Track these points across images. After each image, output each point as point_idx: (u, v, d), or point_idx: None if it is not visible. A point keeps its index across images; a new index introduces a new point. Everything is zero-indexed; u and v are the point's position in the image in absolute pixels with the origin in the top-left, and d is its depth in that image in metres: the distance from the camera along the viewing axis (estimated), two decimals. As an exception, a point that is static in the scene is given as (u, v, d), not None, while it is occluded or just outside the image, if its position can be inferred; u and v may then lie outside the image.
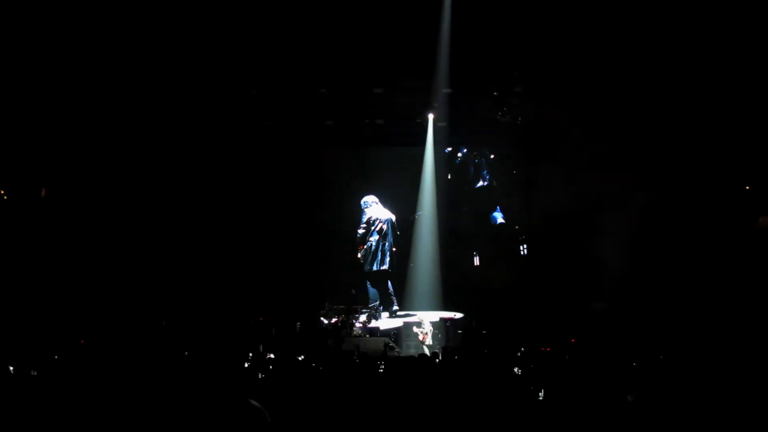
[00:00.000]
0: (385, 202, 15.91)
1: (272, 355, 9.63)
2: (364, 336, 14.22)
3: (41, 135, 12.59)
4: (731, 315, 11.28)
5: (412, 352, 13.73)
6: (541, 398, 4.93)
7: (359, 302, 15.02)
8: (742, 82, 11.33)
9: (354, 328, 14.40)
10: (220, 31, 12.59)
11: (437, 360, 8.24)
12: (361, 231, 15.91)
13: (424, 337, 14.46)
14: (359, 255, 15.89)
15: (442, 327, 15.00)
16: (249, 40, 12.92)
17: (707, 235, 12.28)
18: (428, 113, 15.73)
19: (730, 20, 10.96)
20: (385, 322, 15.26)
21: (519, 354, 9.84)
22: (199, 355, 7.60)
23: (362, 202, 15.93)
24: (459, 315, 15.22)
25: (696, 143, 12.20)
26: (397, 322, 15.04)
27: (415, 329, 14.55)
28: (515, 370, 5.98)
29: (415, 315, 15.09)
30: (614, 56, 12.04)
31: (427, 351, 13.60)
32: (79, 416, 3.79)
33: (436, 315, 15.07)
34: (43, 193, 13.30)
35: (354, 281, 15.48)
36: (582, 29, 11.95)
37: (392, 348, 12.90)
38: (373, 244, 15.76)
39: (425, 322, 14.66)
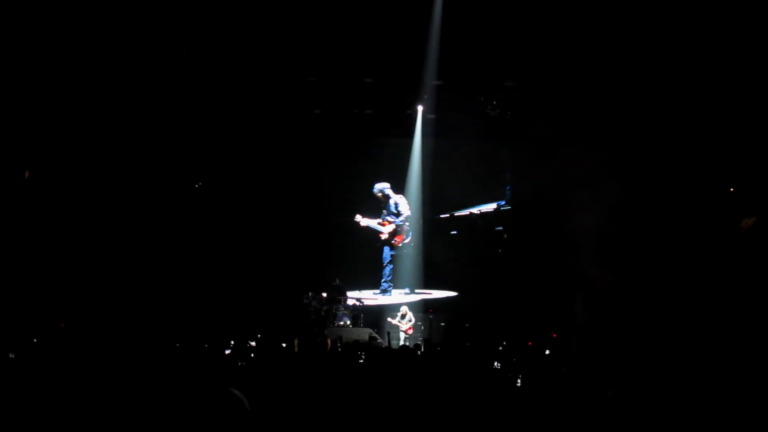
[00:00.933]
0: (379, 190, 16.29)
1: (253, 343, 9.62)
2: (347, 326, 14.23)
3: (23, 117, 12.37)
4: (712, 314, 11.40)
5: (395, 343, 13.78)
6: (518, 385, 4.96)
7: (342, 292, 14.99)
8: (728, 83, 11.40)
9: (337, 318, 14.41)
10: (210, 16, 12.45)
11: (419, 352, 8.25)
12: (406, 215, 16.44)
13: (408, 329, 14.52)
14: (400, 239, 16.45)
15: (425, 319, 15.06)
16: (239, 25, 12.80)
17: (691, 238, 12.39)
18: (418, 105, 15.71)
19: (711, 17, 11.02)
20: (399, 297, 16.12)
21: (501, 348, 9.89)
22: (180, 343, 7.57)
23: (383, 188, 16.41)
24: (452, 294, 15.96)
25: (681, 147, 12.27)
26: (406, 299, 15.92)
27: (396, 321, 14.61)
28: (495, 364, 6.00)
29: (422, 293, 15.82)
30: (603, 52, 12.06)
31: (408, 342, 13.64)
32: (56, 399, 3.74)
33: (432, 293, 16.04)
34: (26, 175, 13.11)
35: (337, 271, 15.42)
36: (572, 23, 11.96)
37: (375, 338, 12.93)
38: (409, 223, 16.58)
39: (409, 313, 14.72)
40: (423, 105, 15.67)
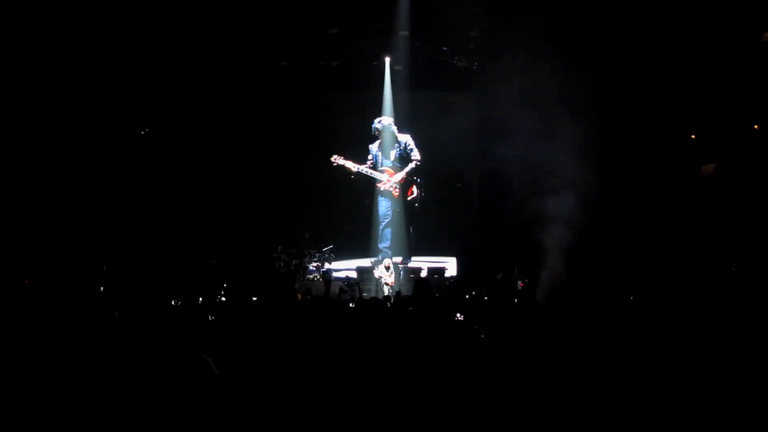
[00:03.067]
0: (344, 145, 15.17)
1: (223, 298, 9.62)
2: (316, 279, 14.25)
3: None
4: (672, 260, 11.73)
5: (365, 296, 13.85)
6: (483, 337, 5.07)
7: (312, 246, 14.96)
8: (690, 31, 11.47)
9: (307, 272, 14.42)
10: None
11: (388, 304, 8.34)
12: (418, 159, 14.08)
13: (392, 282, 14.41)
14: (410, 190, 14.22)
15: (396, 269, 15.09)
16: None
17: (651, 183, 12.62)
18: (385, 56, 15.45)
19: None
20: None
21: (467, 297, 10.03)
22: (147, 300, 7.51)
23: (389, 124, 14.24)
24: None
25: (644, 94, 12.38)
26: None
27: (380, 273, 14.46)
28: (458, 315, 6.09)
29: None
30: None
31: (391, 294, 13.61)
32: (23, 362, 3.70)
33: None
34: None
35: (308, 224, 15.33)
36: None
37: (344, 291, 12.99)
38: None
39: (392, 266, 14.56)
40: (391, 56, 15.42)
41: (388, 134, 14.37)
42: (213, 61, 14.75)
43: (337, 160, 14.04)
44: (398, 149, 14.40)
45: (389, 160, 14.50)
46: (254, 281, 12.79)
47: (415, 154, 14.28)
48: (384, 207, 14.48)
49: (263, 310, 6.98)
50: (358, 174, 14.21)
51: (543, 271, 11.85)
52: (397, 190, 14.21)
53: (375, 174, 14.25)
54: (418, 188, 14.38)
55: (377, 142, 14.61)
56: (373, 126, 14.45)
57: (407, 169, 14.33)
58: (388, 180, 14.26)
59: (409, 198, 14.30)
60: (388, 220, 14.44)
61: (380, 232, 14.68)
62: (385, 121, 14.35)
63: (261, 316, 6.12)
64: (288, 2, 13.40)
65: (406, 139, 14.38)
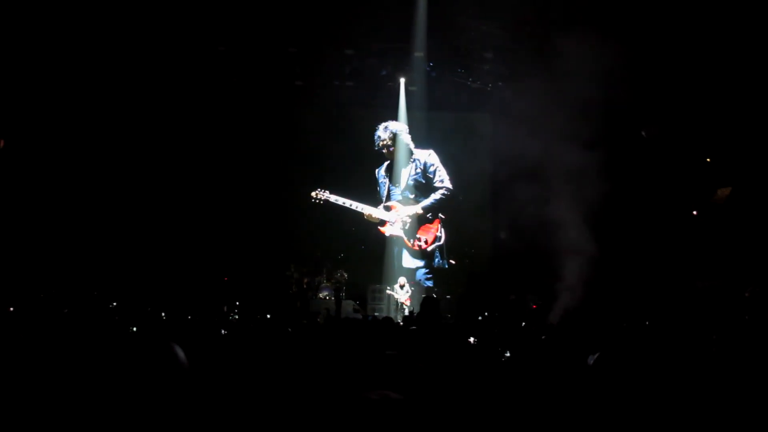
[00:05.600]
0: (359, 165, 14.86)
1: (237, 316, 9.60)
2: (330, 299, 14.21)
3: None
4: (688, 282, 11.61)
5: (377, 315, 13.77)
6: (505, 358, 5.00)
7: (324, 265, 14.93)
8: (706, 53, 11.45)
9: (319, 291, 14.38)
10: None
11: (400, 323, 8.30)
12: (449, 186, 10.15)
13: (406, 300, 14.27)
14: (433, 233, 10.68)
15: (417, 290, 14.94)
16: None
17: (666, 206, 12.54)
18: (400, 77, 15.51)
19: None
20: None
21: (480, 319, 9.94)
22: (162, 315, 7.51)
23: (397, 130, 10.41)
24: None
25: (657, 114, 12.35)
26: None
27: (395, 293, 14.31)
28: (471, 339, 6.02)
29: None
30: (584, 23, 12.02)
31: (405, 312, 13.49)
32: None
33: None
34: (1, 144, 12.85)
35: (320, 243, 15.30)
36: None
37: (357, 311, 12.97)
38: None
39: (407, 284, 14.41)
40: (405, 77, 15.47)
41: (398, 148, 11.17)
42: (230, 80, 14.93)
43: (320, 194, 11.25)
44: (415, 172, 11.24)
45: (398, 190, 11.01)
46: (267, 299, 12.78)
47: (442, 179, 10.46)
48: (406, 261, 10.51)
49: (276, 327, 6.96)
50: (370, 218, 10.87)
51: (556, 292, 11.77)
52: (413, 240, 10.20)
53: (375, 213, 10.50)
54: (441, 226, 10.50)
55: (385, 164, 11.64)
56: (376, 135, 11.10)
57: (426, 202, 10.70)
58: (395, 221, 10.71)
59: (428, 248, 10.65)
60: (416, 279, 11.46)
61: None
62: (394, 127, 10.89)
63: (274, 333, 6.09)
64: (304, 23, 13.53)
65: (425, 156, 11.19)
